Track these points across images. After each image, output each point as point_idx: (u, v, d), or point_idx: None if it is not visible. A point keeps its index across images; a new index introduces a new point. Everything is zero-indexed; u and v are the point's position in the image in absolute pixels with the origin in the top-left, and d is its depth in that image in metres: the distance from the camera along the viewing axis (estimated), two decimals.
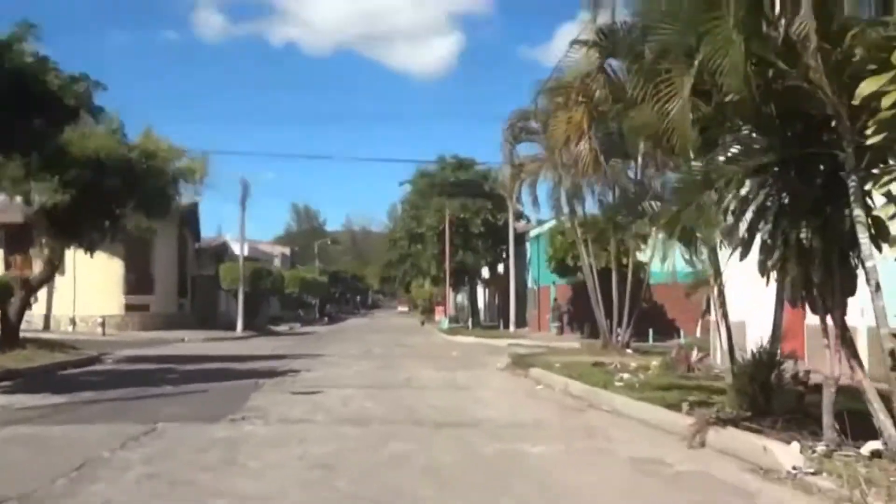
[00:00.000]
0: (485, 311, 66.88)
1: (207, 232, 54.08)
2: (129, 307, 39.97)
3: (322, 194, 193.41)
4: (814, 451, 7.39)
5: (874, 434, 7.37)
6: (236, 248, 55.77)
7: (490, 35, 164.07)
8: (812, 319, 15.19)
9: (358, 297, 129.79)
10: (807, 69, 6.75)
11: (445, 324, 48.56)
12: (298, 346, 31.82)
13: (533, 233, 49.48)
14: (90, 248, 23.20)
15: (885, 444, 7.20)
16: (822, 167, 7.63)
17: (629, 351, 25.04)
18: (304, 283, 64.12)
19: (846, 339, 7.75)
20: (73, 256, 37.73)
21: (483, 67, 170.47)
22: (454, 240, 50.95)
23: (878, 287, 7.00)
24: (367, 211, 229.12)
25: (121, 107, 21.00)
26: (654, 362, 16.78)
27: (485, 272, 59.41)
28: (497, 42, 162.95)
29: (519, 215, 49.37)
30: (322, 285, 78.58)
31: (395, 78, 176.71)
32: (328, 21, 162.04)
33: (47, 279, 23.86)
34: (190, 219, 46.43)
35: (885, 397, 7.35)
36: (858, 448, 7.37)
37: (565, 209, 27.79)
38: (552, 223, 40.04)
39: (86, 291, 38.21)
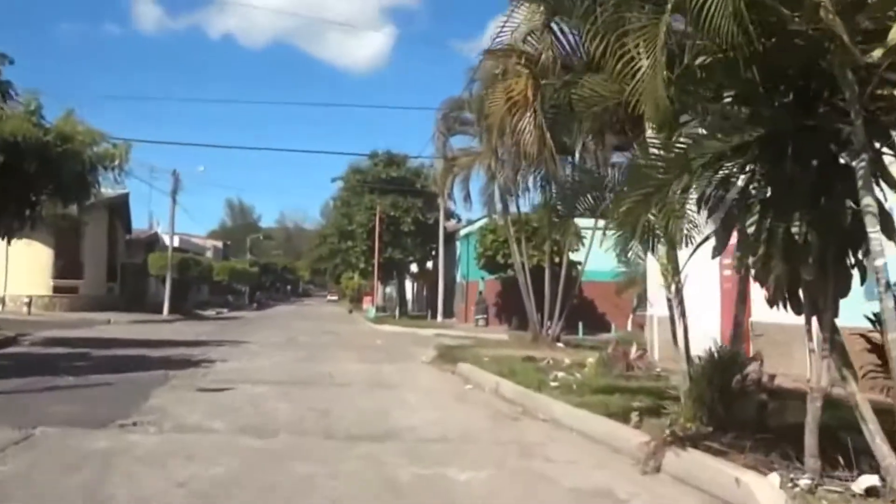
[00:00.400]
0: (413, 303, 65.18)
1: (141, 224, 51.68)
2: (57, 289, 39.02)
3: (257, 190, 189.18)
4: (796, 486, 5.81)
5: (866, 461, 5.88)
6: (168, 241, 53.35)
7: (421, 29, 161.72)
8: (760, 317, 14.14)
9: (289, 287, 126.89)
10: (815, 8, 5.11)
11: (372, 312, 46.61)
12: (221, 331, 29.69)
13: (463, 232, 48.05)
14: (7, 235, 20.83)
15: (882, 478, 5.62)
16: (819, 146, 6.06)
17: (560, 344, 23.64)
18: (233, 272, 61.71)
19: (836, 345, 6.20)
20: (4, 241, 35.93)
21: (415, 61, 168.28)
22: (384, 237, 49.05)
23: (888, 286, 5.47)
24: (301, 207, 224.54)
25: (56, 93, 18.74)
26: (590, 359, 15.14)
27: (413, 267, 57.73)
28: (429, 36, 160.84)
29: (450, 214, 47.79)
30: (252, 275, 76.05)
31: (330, 72, 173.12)
32: (265, 14, 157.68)
33: None
34: (120, 209, 44.69)
35: (884, 414, 5.86)
36: (848, 482, 5.85)
37: (498, 206, 26.08)
38: (483, 221, 38.70)
39: (16, 273, 37.38)
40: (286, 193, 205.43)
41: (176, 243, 53.20)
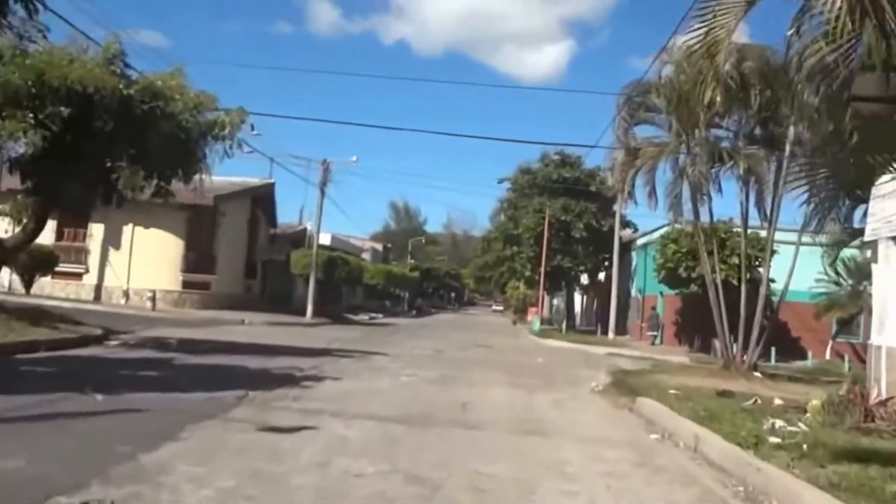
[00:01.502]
0: (581, 316, 61.81)
1: (290, 219, 51.03)
2: (186, 284, 37.27)
3: (424, 194, 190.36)
4: None
5: None
6: (321, 238, 52.50)
7: (601, 43, 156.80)
8: None
9: (453, 295, 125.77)
10: None
11: (537, 325, 43.68)
12: (361, 339, 27.70)
13: (640, 241, 44.38)
14: (77, 206, 18.24)
15: None
16: None
17: (756, 374, 19.98)
18: (389, 275, 60.21)
19: None
20: (132, 231, 35.90)
21: (592, 76, 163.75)
22: (553, 243, 46.01)
23: None
24: (470, 213, 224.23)
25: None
26: (814, 401, 11.67)
27: (584, 278, 54.39)
28: (607, 51, 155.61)
29: (625, 223, 44.24)
30: (412, 280, 74.82)
31: (505, 83, 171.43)
32: (440, 22, 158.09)
33: (24, 243, 17.81)
34: (264, 200, 43.58)
35: None
36: None
37: (685, 209, 22.61)
38: (663, 230, 35.09)
39: (141, 265, 36.28)
40: (454, 197, 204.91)
41: (327, 241, 52.37)
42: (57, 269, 34.71)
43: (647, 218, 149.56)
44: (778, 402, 12.85)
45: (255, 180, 42.28)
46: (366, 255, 70.61)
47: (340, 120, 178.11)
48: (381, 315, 55.95)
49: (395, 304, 75.50)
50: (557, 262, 46.43)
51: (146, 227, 35.94)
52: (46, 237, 33.95)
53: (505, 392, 13.62)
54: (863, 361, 34.88)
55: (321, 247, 48.03)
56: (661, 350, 33.42)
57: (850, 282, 32.70)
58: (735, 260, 29.42)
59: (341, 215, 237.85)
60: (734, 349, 20.94)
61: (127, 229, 36.16)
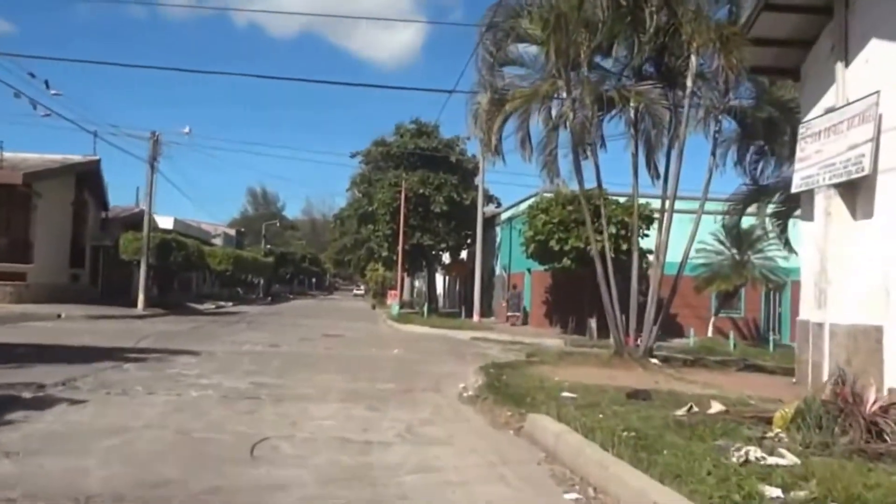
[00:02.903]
0: (444, 298, 58.12)
1: (127, 202, 44.71)
2: None
3: (282, 181, 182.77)
4: None
5: None
6: (162, 222, 46.48)
7: (453, 23, 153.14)
8: None
9: (314, 280, 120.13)
10: None
11: (396, 309, 39.47)
12: (189, 332, 23.06)
13: (505, 215, 40.87)
14: None
15: None
16: None
17: (654, 361, 16.46)
18: (238, 261, 54.42)
19: None
20: None
21: (446, 57, 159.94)
22: (411, 219, 41.75)
23: None
24: (329, 198, 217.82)
25: None
26: (785, 409, 7.90)
27: (445, 258, 50.57)
28: (461, 31, 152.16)
29: (488, 198, 40.60)
30: (266, 265, 69.11)
31: (359, 63, 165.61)
32: (293, 2, 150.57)
33: None
34: (90, 179, 37.32)
35: None
36: None
37: (561, 171, 18.66)
38: (531, 200, 31.58)
39: None
40: (312, 182, 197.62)
41: (169, 225, 46.47)
42: None
43: (510, 189, 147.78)
44: (717, 406, 9.09)
45: (76, 157, 36.12)
46: (217, 241, 64.52)
47: (171, 66, 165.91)
48: (231, 303, 50.46)
49: (249, 292, 69.72)
50: (417, 239, 42.17)
51: None
52: None
53: (337, 411, 9.20)
54: (745, 338, 32.79)
55: (160, 230, 42.24)
56: (530, 333, 29.99)
57: (734, 251, 30.12)
58: (613, 230, 26.29)
59: (190, 202, 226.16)
60: (624, 331, 17.27)
61: None
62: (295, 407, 9.27)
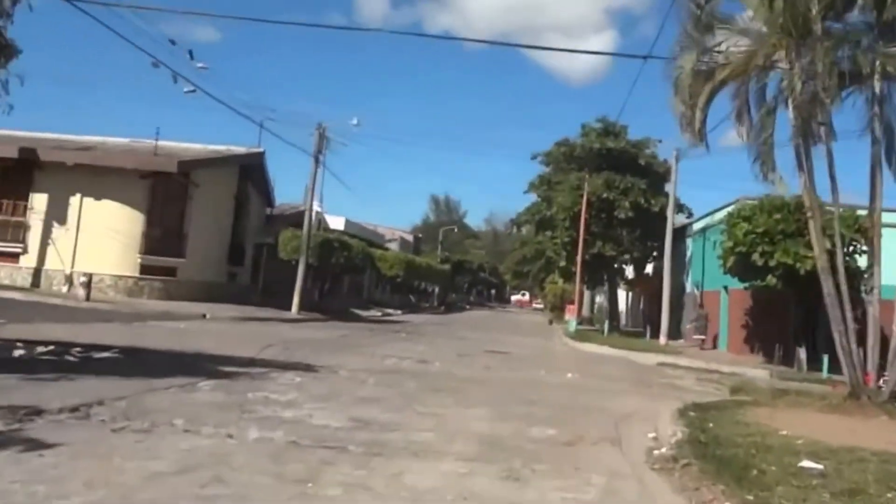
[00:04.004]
0: (626, 316, 54.02)
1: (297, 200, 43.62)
2: (146, 269, 29.76)
3: (466, 188, 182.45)
4: None
5: None
6: (332, 222, 45.44)
7: (644, 34, 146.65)
8: None
9: (493, 291, 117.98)
10: None
11: (573, 325, 36.13)
12: (334, 341, 21.07)
13: (697, 225, 36.61)
14: None
15: None
16: None
17: None
18: (411, 266, 52.59)
19: None
20: (80, 202, 29.20)
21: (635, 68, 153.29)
22: (593, 226, 38.31)
23: None
24: (512, 210, 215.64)
25: None
26: None
27: (629, 272, 46.63)
28: (650, 42, 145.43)
29: (679, 207, 36.56)
30: (441, 273, 67.28)
31: (549, 76, 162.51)
32: (487, 12, 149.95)
33: None
34: (254, 174, 36.31)
35: None
36: None
37: (778, 165, 14.88)
38: (730, 207, 27.50)
39: (90, 245, 28.96)
40: (497, 191, 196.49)
41: (339, 225, 45.34)
42: None
43: (703, 199, 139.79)
44: None
45: (240, 149, 35.34)
46: (393, 245, 63.59)
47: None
48: (400, 311, 48.79)
49: (423, 300, 68.23)
50: (598, 249, 38.54)
51: (97, 197, 29.30)
52: None
53: (449, 481, 6.17)
54: None
55: (328, 230, 41.08)
56: (726, 360, 25.96)
57: None
58: (828, 244, 22.04)
59: (360, 203, 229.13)
60: (858, 368, 13.28)
61: (74, 201, 29.27)
62: (386, 469, 6.34)
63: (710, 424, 9.54)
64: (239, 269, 37.02)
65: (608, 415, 10.74)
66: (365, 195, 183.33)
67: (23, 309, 20.66)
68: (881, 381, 13.00)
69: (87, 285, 25.27)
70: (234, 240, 35.86)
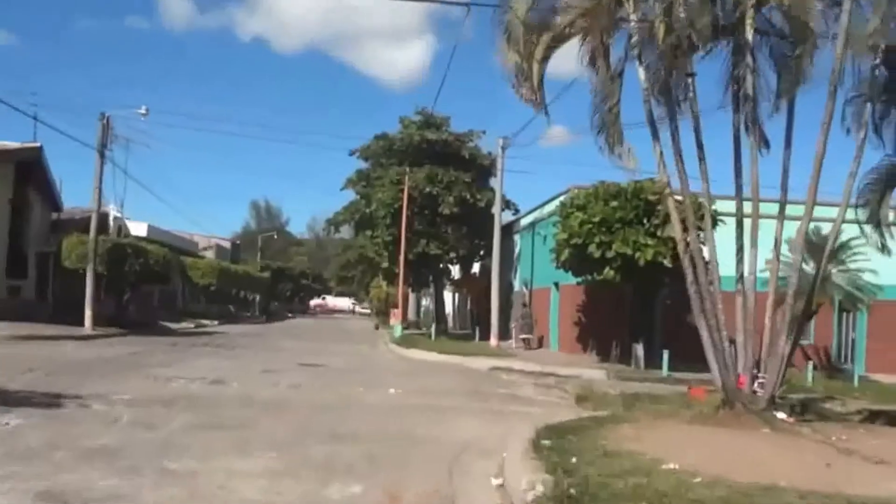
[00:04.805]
0: (454, 318, 51.98)
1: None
2: None
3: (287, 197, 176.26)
4: None
5: None
6: (135, 229, 40.52)
7: (465, 37, 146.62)
8: None
9: (321, 297, 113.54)
10: None
11: (399, 331, 33.47)
12: (126, 359, 17.92)
13: (526, 220, 34.85)
14: None
15: None
16: None
17: (782, 417, 10.38)
18: (226, 274, 48.34)
19: None
20: None
21: (458, 73, 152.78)
22: (416, 223, 35.74)
23: None
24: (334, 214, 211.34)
25: None
26: None
27: (455, 272, 44.52)
28: (472, 47, 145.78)
29: (505, 203, 34.65)
30: (261, 281, 63.10)
31: (366, 82, 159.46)
32: (298, 18, 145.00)
33: None
34: (34, 171, 31.19)
35: None
36: None
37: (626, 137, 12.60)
38: (563, 197, 25.67)
39: None
40: (319, 198, 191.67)
41: (141, 231, 40.51)
42: None
43: (530, 194, 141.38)
44: None
45: (12, 144, 30.21)
46: (209, 254, 58.77)
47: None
48: (217, 322, 44.39)
49: (243, 309, 63.51)
50: (422, 248, 35.90)
51: None
52: None
53: None
54: (816, 368, 26.44)
55: (130, 237, 36.28)
56: (562, 360, 24.13)
57: (811, 263, 23.97)
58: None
59: (186, 214, 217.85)
60: (731, 369, 11.12)
61: None
62: None
63: (573, 460, 6.93)
64: (21, 282, 31.81)
65: (437, 449, 8.00)
66: (178, 202, 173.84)
67: None
68: (755, 384, 10.92)
69: None
70: (13, 249, 30.59)
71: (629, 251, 21.38)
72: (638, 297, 24.14)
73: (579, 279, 25.01)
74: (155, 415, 9.36)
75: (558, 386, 16.77)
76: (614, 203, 22.18)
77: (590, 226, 22.17)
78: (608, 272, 22.25)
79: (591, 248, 22.05)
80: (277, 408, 10.79)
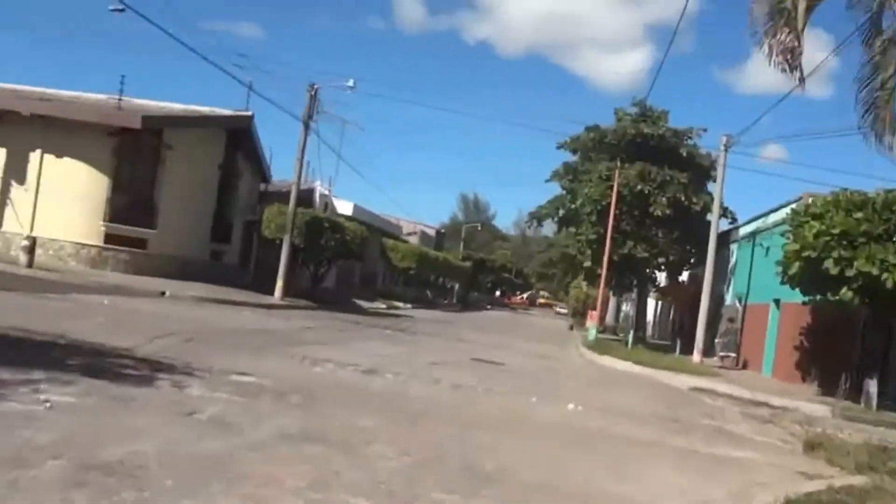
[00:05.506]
0: (654, 327, 48.50)
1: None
2: (111, 238, 25.85)
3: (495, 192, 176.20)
4: None
5: None
6: (341, 207, 40.57)
7: (683, 51, 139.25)
8: None
9: (518, 293, 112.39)
10: None
11: (593, 334, 30.85)
12: (287, 336, 16.08)
13: (746, 229, 31.16)
14: None
15: None
16: None
17: None
18: (425, 259, 47.54)
19: None
20: (40, 158, 25.02)
21: (672, 85, 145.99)
22: (623, 223, 32.97)
23: None
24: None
25: None
26: None
27: (661, 278, 41.16)
28: (689, 59, 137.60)
29: (723, 210, 31.11)
30: (461, 270, 62.16)
31: (584, 88, 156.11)
32: (522, 23, 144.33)
33: None
34: (244, 143, 31.67)
35: None
36: None
37: None
38: (795, 205, 22.22)
39: (50, 208, 25.27)
40: (525, 196, 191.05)
41: (347, 210, 40.38)
42: None
43: (748, 204, 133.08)
44: None
45: (223, 111, 30.74)
46: (413, 239, 58.80)
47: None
48: (410, 306, 43.73)
49: (440, 296, 63.03)
50: (628, 249, 33.07)
51: (58, 155, 25.53)
52: None
53: None
54: None
55: (337, 214, 36.22)
56: (772, 386, 20.88)
57: None
58: None
59: (394, 199, 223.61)
60: None
61: (34, 157, 25.63)
62: None
63: None
64: (225, 248, 32.56)
65: None
66: (389, 186, 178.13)
67: None
68: None
69: (30, 250, 21.53)
70: (220, 214, 31.32)
71: (874, 270, 17.70)
72: (876, 325, 20.29)
73: (807, 298, 21.42)
74: (253, 410, 7.40)
75: (774, 420, 13.84)
76: (858, 214, 18.53)
77: (828, 238, 18.63)
78: (845, 293, 18.60)
79: (828, 263, 18.50)
80: (418, 417, 8.65)
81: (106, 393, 7.04)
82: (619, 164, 32.88)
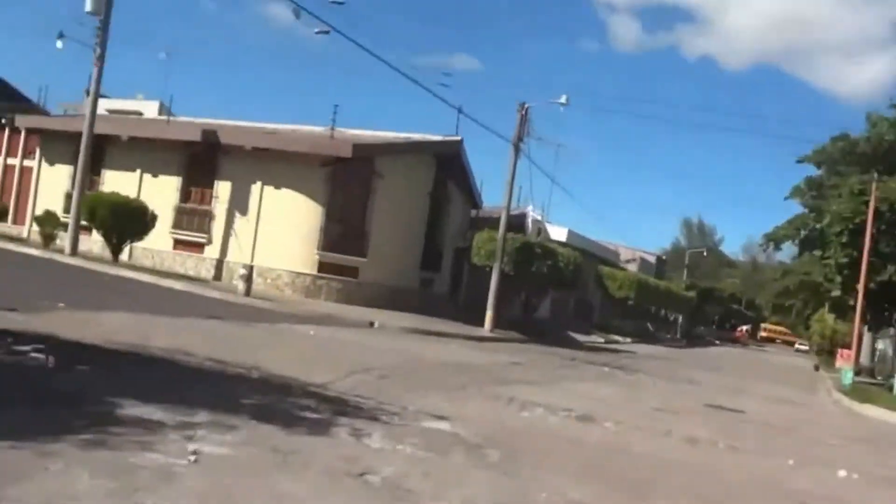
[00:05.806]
0: None
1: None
2: (324, 267, 25.75)
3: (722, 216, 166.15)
4: None
5: None
6: (555, 233, 38.38)
7: None
8: None
9: (747, 327, 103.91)
10: None
11: (848, 378, 26.04)
12: (491, 373, 14.13)
13: None
14: None
15: None
16: None
17: None
18: (644, 288, 43.94)
19: None
20: (260, 190, 25.08)
21: None
22: (881, 244, 28.04)
23: None
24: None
25: None
26: None
27: None
28: None
29: None
30: (684, 300, 57.50)
31: (822, 97, 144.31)
32: (748, 32, 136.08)
33: None
34: (453, 169, 30.58)
35: None
36: None
37: None
38: None
39: (269, 238, 25.75)
40: (754, 219, 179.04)
41: (561, 236, 37.97)
42: (178, 237, 26.97)
43: None
44: None
45: (433, 137, 29.84)
46: (632, 266, 55.46)
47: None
48: (629, 340, 40.38)
49: (662, 329, 58.71)
50: (889, 276, 28.04)
51: (276, 186, 26.03)
52: (169, 197, 26.87)
53: None
54: None
55: (550, 241, 34.10)
56: None
57: None
58: None
59: (611, 225, 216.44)
60: None
61: (255, 189, 26.25)
62: None
63: None
64: (435, 276, 31.62)
65: None
66: (605, 211, 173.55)
67: (155, 297, 17.60)
68: None
69: (248, 279, 21.38)
70: (429, 242, 30.58)
71: None
72: None
73: None
74: (438, 471, 5.59)
75: None
76: None
77: None
78: None
79: None
80: (645, 486, 6.28)
81: (268, 443, 5.62)
82: (875, 175, 28.06)
